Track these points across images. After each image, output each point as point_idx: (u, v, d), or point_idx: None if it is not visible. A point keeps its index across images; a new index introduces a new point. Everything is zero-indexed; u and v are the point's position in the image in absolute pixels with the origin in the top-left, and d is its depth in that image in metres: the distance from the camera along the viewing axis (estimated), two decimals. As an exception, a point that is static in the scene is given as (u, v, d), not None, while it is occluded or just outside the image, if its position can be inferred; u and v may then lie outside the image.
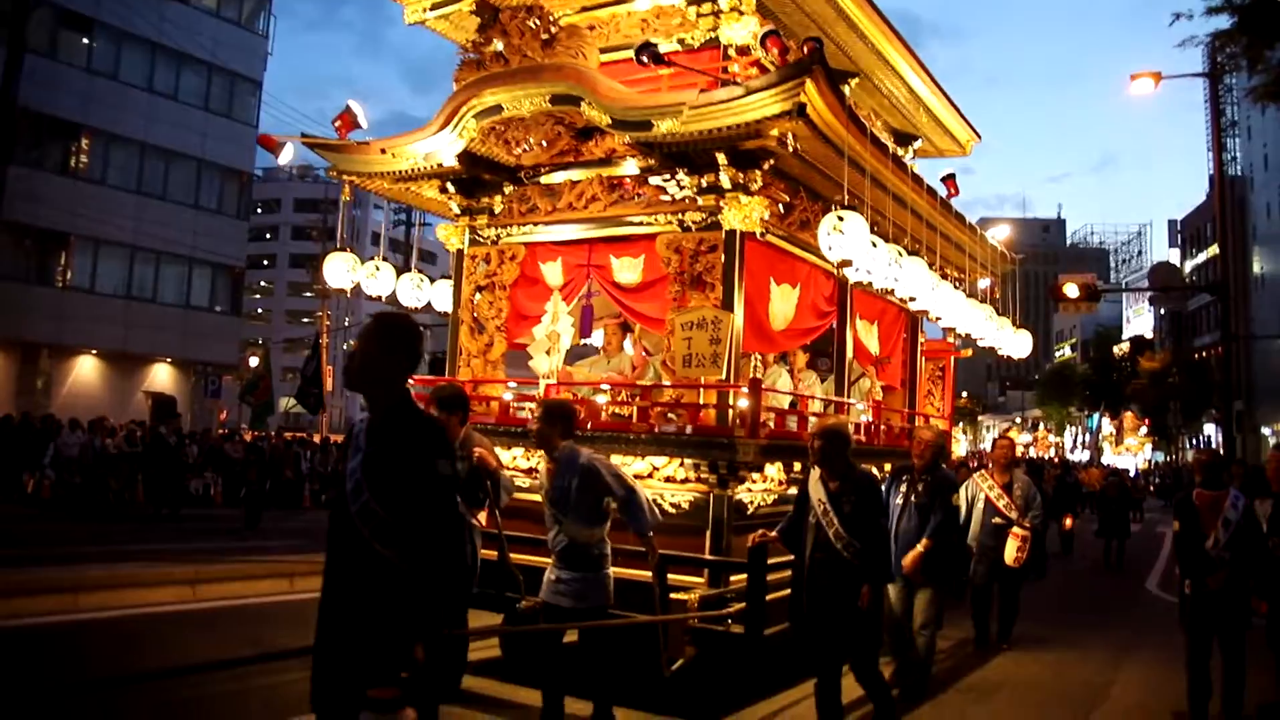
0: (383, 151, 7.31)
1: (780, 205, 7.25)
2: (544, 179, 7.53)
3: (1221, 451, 17.49)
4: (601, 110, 6.47)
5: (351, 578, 3.23)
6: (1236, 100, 40.36)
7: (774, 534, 6.15)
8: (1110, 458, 54.13)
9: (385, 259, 8.20)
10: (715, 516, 6.51)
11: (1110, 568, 16.27)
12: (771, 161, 6.71)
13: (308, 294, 49.37)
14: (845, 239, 5.94)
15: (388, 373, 3.44)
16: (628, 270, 7.17)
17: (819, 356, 9.27)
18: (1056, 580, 14.22)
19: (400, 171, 7.42)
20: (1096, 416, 61.36)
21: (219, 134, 31.99)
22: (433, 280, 8.63)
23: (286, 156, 7.85)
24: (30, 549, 10.94)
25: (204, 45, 30.85)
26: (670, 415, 6.75)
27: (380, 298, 8.19)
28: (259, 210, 35.24)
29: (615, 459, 6.83)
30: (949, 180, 8.35)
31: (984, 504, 8.75)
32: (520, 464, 7.15)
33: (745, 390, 6.44)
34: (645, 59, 6.12)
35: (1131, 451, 54.95)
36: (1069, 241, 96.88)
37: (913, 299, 6.89)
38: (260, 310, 50.82)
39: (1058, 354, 78.06)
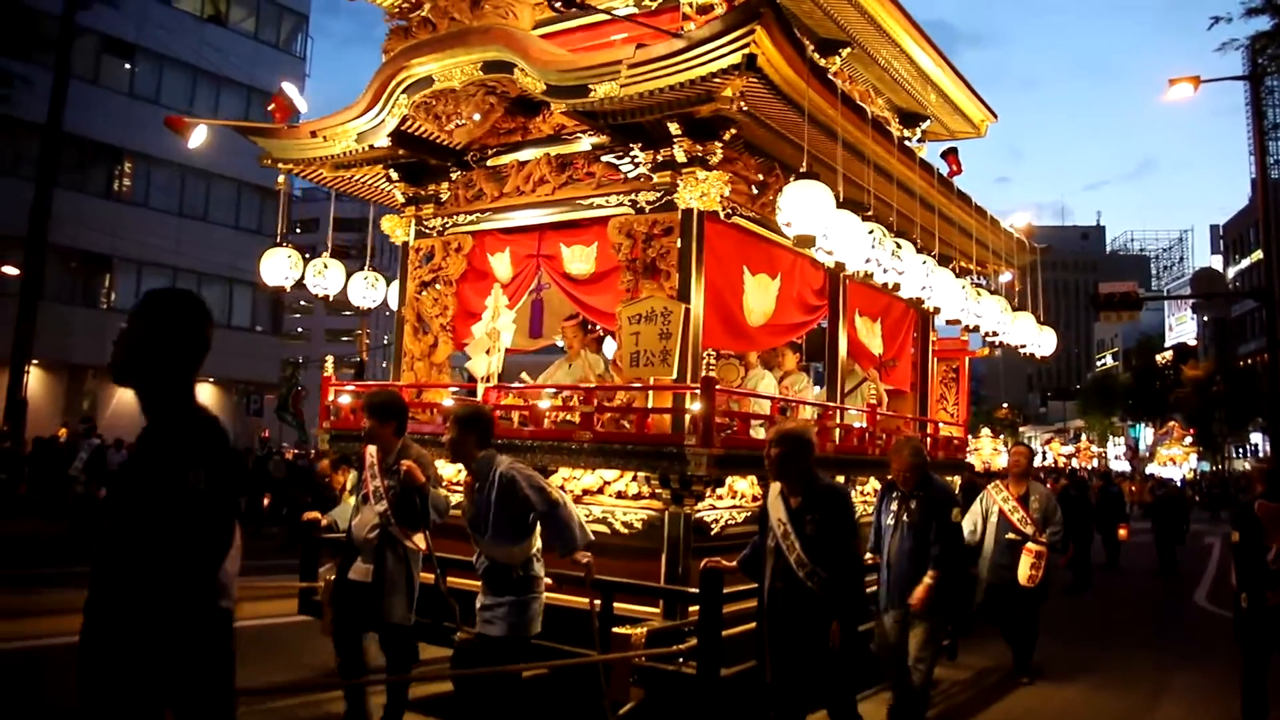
0: (313, 135, 6.41)
1: (751, 185, 6.22)
2: (492, 161, 6.58)
3: (1271, 461, 16.23)
4: (534, 76, 5.50)
5: (97, 608, 2.38)
6: (1278, 102, 38.35)
7: (732, 563, 5.11)
8: (1153, 468, 51.77)
9: (334, 255, 7.30)
10: (670, 537, 5.49)
11: (1164, 574, 15.64)
12: (733, 131, 5.70)
13: (347, 312, 48.93)
14: (805, 211, 4.89)
15: (158, 364, 2.53)
16: (579, 260, 6.18)
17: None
18: (1100, 592, 13.22)
19: (335, 157, 6.52)
20: (1140, 426, 58.84)
21: (259, 155, 31.70)
22: (390, 280, 7.71)
23: (197, 140, 7.01)
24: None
25: (242, 68, 30.60)
26: (625, 423, 5.75)
27: (328, 297, 7.30)
28: (298, 230, 34.96)
29: (564, 472, 5.88)
30: (950, 156, 7.23)
31: (998, 518, 7.57)
32: (463, 478, 6.17)
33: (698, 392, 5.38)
34: (559, 5, 5.14)
35: (1176, 462, 52.45)
36: (1109, 249, 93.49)
37: (898, 286, 5.79)
38: (300, 330, 50.43)
39: (1099, 364, 75.17)
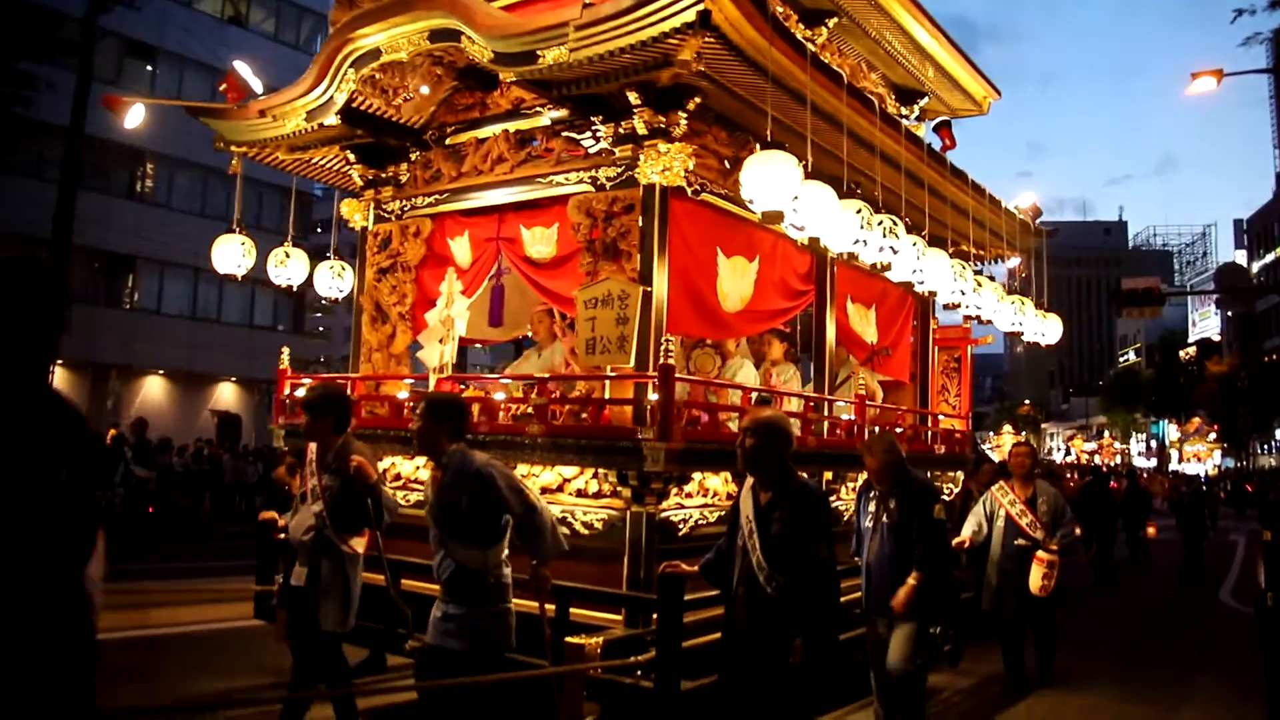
0: (262, 114, 5.95)
1: (723, 160, 5.68)
2: (450, 140, 6.09)
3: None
4: (481, 44, 5.00)
5: None
6: (1303, 94, 37.22)
7: (693, 567, 4.58)
8: (1178, 464, 50.50)
9: (295, 243, 6.85)
10: (632, 538, 4.98)
11: (1187, 571, 15.14)
12: (698, 100, 5.17)
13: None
14: (769, 185, 4.35)
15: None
16: (540, 242, 5.67)
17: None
18: (1123, 591, 12.59)
19: (288, 137, 6.05)
20: (1163, 423, 57.46)
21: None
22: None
23: (134, 120, 6.57)
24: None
25: (263, 69, 30.34)
26: (583, 415, 5.24)
27: (291, 287, 6.83)
28: (319, 230, 34.79)
29: (521, 469, 5.37)
30: (943, 130, 6.65)
31: (1005, 522, 6.92)
32: (423, 475, 5.70)
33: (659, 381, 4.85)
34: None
35: (1200, 458, 51.12)
36: (1131, 244, 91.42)
37: (888, 267, 5.23)
38: (322, 328, 50.26)
39: (1122, 359, 73.59)
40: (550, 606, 4.82)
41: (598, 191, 5.33)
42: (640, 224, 5.12)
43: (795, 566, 4.00)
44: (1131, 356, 70.90)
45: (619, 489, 4.99)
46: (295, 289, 6.82)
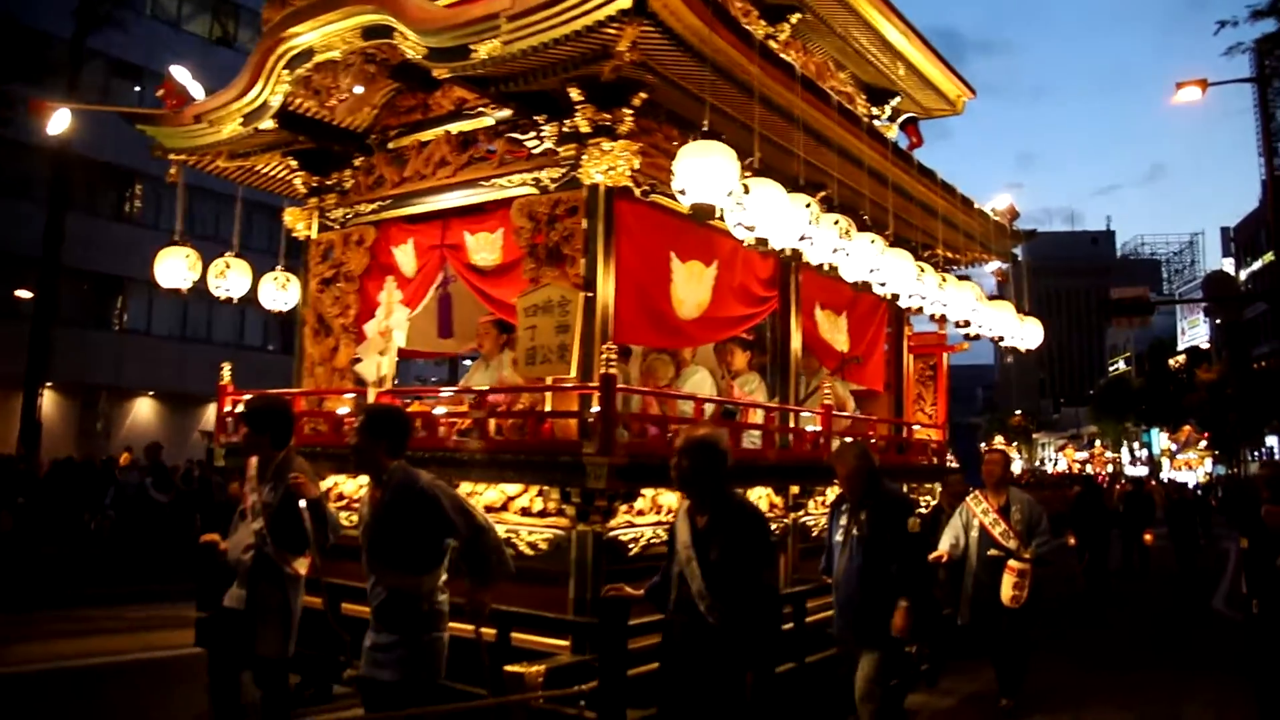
0: (197, 119, 5.62)
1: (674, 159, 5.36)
2: (393, 144, 5.77)
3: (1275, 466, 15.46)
4: (415, 39, 4.67)
5: None
6: (1286, 103, 36.93)
7: (639, 590, 4.23)
8: (1169, 472, 50.07)
9: (238, 255, 6.50)
10: (578, 559, 4.62)
11: (1182, 579, 14.81)
12: (643, 96, 4.86)
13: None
14: (703, 178, 4.03)
15: None
16: (485, 249, 5.34)
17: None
18: (1115, 601, 12.43)
19: (226, 143, 5.73)
20: (1154, 431, 57.04)
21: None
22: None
23: (59, 126, 6.26)
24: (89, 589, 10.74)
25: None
26: (526, 430, 4.89)
27: (232, 300, 6.49)
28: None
29: (464, 487, 5.03)
30: (910, 127, 6.34)
31: (979, 532, 6.58)
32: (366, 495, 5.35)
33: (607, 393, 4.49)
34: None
35: (1191, 466, 50.69)
36: (1119, 253, 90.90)
37: (834, 266, 4.90)
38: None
39: (1112, 369, 73.21)
40: (490, 632, 4.48)
41: (541, 194, 5.01)
42: (584, 226, 4.79)
43: (738, 594, 3.67)
44: (1121, 365, 70.54)
45: (563, 507, 4.64)
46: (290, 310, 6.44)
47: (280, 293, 6.55)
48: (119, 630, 8.41)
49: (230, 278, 6.39)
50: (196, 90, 5.95)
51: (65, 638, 8.03)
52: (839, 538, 4.94)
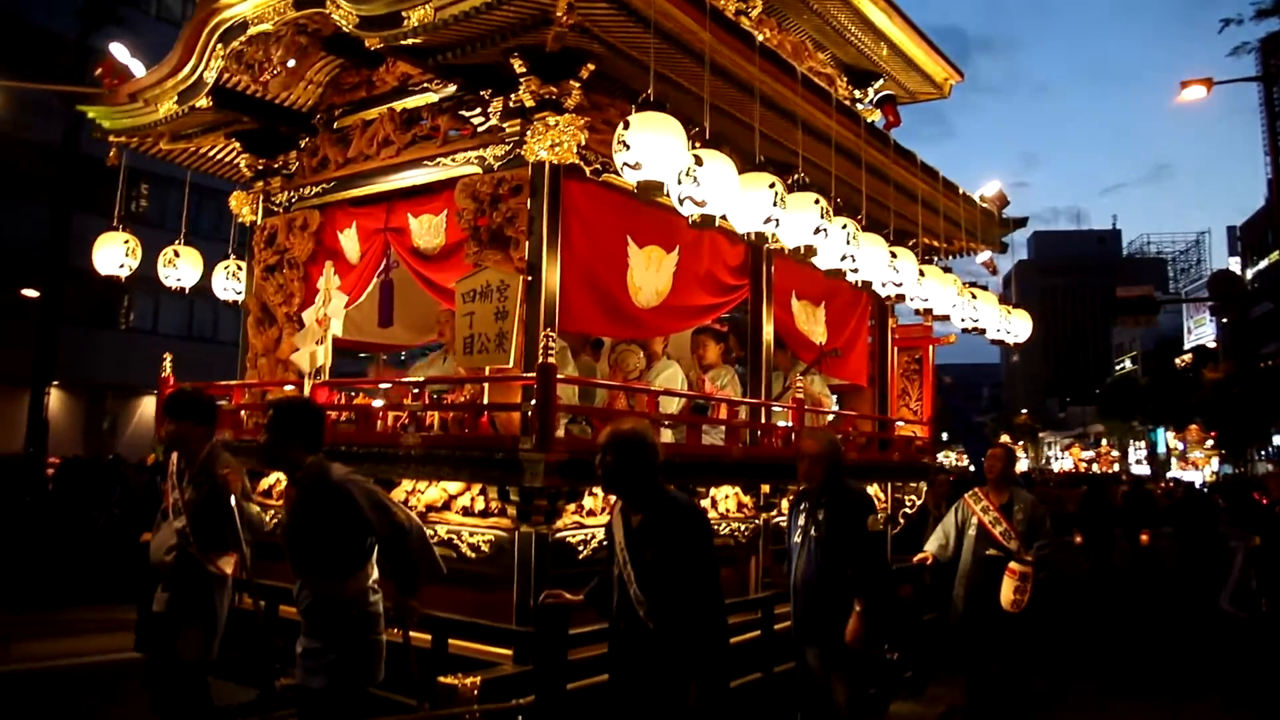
0: (132, 98, 5.27)
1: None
2: (338, 124, 5.40)
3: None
4: (345, 7, 4.30)
5: None
6: (1292, 100, 36.20)
7: (578, 596, 3.86)
8: (1175, 472, 49.31)
9: (188, 242, 6.16)
10: (521, 562, 4.23)
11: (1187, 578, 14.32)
12: (591, 67, 4.47)
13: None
14: (647, 152, 3.64)
15: None
16: (429, 233, 4.96)
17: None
18: (1120, 600, 12.03)
19: (162, 122, 5.36)
20: (1160, 430, 56.22)
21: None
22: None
23: None
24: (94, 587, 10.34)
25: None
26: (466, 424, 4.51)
27: (183, 290, 6.14)
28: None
29: (405, 485, 4.66)
30: (888, 106, 5.93)
31: (976, 530, 6.10)
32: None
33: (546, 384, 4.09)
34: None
35: (1198, 465, 49.91)
36: (1125, 253, 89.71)
37: (811, 251, 4.49)
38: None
39: (1118, 368, 72.34)
40: (424, 636, 4.14)
41: (485, 173, 4.63)
42: (528, 206, 4.41)
43: (676, 597, 3.31)
44: (1128, 365, 69.72)
45: (505, 507, 4.27)
46: (187, 291, 6.11)
47: (230, 282, 6.22)
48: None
49: (180, 266, 6.06)
50: (138, 69, 5.59)
51: (72, 635, 7.98)
52: (796, 538, 4.57)
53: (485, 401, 4.37)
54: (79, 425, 27.26)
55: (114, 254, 5.75)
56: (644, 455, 3.41)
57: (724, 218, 4.10)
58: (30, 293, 23.44)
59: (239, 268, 6.16)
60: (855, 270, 5.02)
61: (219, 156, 5.93)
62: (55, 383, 23.72)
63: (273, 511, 4.83)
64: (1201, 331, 59.05)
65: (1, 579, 10.15)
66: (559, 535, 4.32)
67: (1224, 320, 54.27)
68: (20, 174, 24.90)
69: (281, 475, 5.28)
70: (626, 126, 3.67)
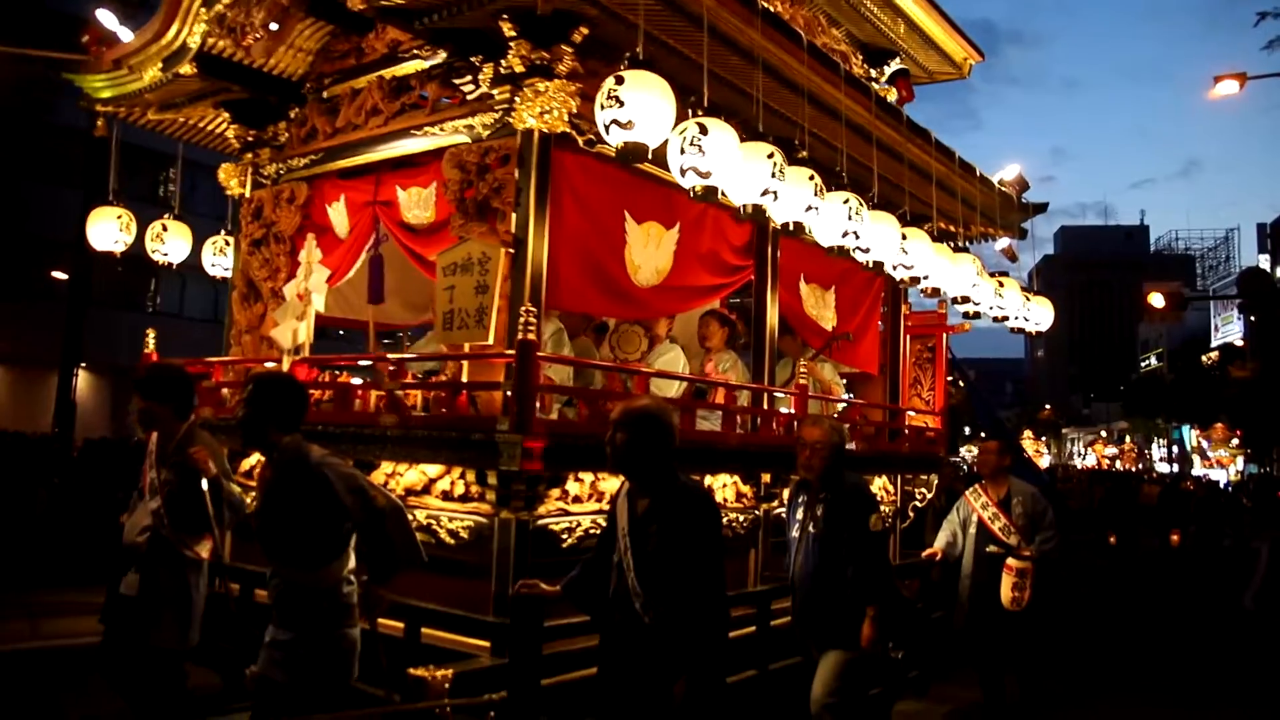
0: (116, 64, 5.07)
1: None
2: (327, 93, 5.17)
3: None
4: (325, -38, 4.08)
5: None
6: (1327, 95, 35.31)
7: (555, 587, 3.61)
8: (1201, 470, 48.38)
9: (176, 217, 5.97)
10: (500, 550, 3.99)
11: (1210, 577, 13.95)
12: (584, 31, 4.20)
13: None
14: (638, 111, 3.37)
15: None
16: (418, 205, 4.71)
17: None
18: (1146, 596, 11.85)
19: (148, 90, 5.16)
20: (1185, 428, 55.15)
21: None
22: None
23: None
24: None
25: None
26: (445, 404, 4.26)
27: (172, 265, 5.95)
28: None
29: (387, 467, 4.43)
30: (901, 81, 5.61)
31: (977, 527, 5.83)
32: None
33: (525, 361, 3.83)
34: None
35: (1223, 464, 48.91)
36: (1153, 249, 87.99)
37: (792, 226, 4.19)
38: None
39: (1144, 364, 71.07)
40: (397, 624, 3.92)
41: (473, 142, 4.38)
42: (516, 176, 4.15)
43: (676, 591, 3.06)
44: (1153, 361, 68.50)
45: (484, 491, 4.02)
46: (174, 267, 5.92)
47: (219, 258, 6.03)
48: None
49: (169, 241, 5.87)
50: (126, 36, 5.38)
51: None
52: (794, 533, 4.31)
53: (465, 380, 4.11)
54: (107, 407, 27.43)
55: (108, 230, 5.58)
56: (659, 435, 3.17)
57: (724, 194, 3.84)
58: (59, 275, 23.56)
59: (227, 243, 5.96)
60: (862, 250, 4.72)
61: (208, 127, 5.74)
62: (83, 365, 23.80)
63: (254, 494, 4.62)
64: (1229, 329, 57.86)
65: (28, 557, 10.05)
66: (541, 522, 4.08)
67: (1252, 318, 53.13)
68: (49, 158, 25.05)
69: (263, 456, 5.10)
70: (620, 82, 3.40)
